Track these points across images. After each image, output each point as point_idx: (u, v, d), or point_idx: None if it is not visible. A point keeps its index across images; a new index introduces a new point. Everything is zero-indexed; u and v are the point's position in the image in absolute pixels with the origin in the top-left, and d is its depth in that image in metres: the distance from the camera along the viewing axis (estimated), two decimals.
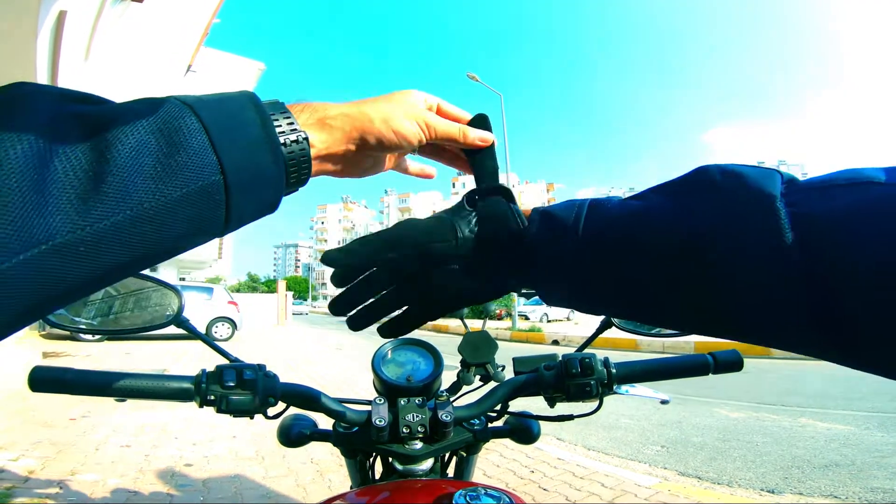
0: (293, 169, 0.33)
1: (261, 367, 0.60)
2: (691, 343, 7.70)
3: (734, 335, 0.31)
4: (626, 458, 3.04)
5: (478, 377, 0.69)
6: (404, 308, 0.44)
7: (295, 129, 0.32)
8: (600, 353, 0.68)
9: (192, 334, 0.71)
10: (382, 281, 0.43)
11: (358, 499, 0.60)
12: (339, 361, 7.96)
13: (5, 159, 0.21)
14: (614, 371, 0.66)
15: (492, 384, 0.69)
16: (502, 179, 0.44)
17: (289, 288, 24.26)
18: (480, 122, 0.45)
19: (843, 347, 0.26)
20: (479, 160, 0.45)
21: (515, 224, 0.38)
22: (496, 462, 2.93)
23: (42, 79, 4.24)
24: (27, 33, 3.61)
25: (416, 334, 0.58)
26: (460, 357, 0.69)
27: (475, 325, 0.76)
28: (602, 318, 0.70)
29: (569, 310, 0.41)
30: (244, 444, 3.21)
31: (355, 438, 0.67)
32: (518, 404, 0.72)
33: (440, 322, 11.42)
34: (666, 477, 2.71)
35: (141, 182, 0.24)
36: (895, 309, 0.23)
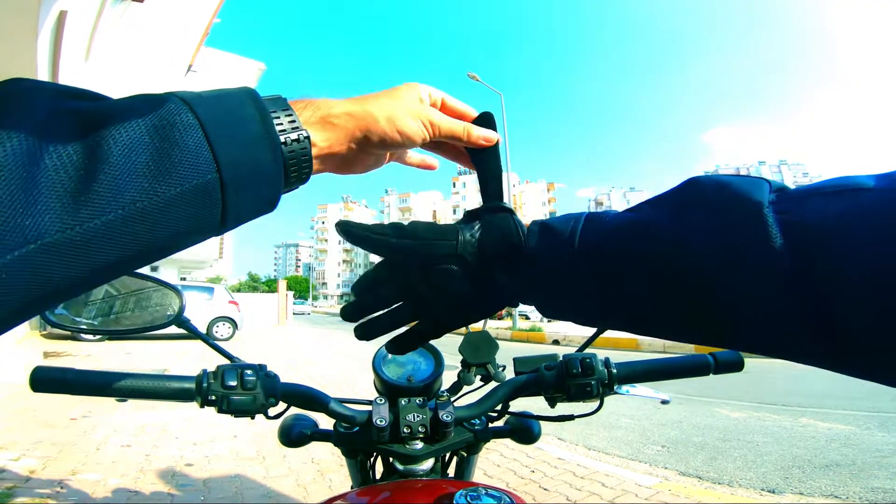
0: (293, 167, 0.32)
1: (262, 368, 0.61)
2: (692, 343, 7.69)
3: (734, 345, 0.31)
4: (627, 458, 3.04)
5: (478, 377, 0.69)
6: (409, 326, 0.45)
7: (296, 127, 0.32)
8: (601, 354, 0.68)
9: (193, 334, 0.71)
10: (392, 295, 0.44)
11: (359, 499, 0.60)
12: (340, 361, 7.96)
13: None
14: (615, 371, 0.66)
15: (492, 384, 0.69)
16: (503, 179, 0.44)
17: (289, 288, 24.29)
18: (485, 120, 0.44)
19: (837, 355, 0.26)
20: (482, 159, 0.44)
21: (517, 236, 0.38)
22: (497, 462, 2.93)
23: (42, 78, 4.24)
24: (28, 33, 3.61)
25: None
26: (461, 357, 0.69)
27: (476, 325, 0.76)
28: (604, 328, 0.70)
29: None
30: (245, 444, 3.21)
31: (356, 438, 0.67)
32: (519, 404, 0.72)
33: None
34: (667, 477, 2.71)
35: (134, 180, 0.24)
36: (887, 316, 0.23)
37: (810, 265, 0.25)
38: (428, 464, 0.68)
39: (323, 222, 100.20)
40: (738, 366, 0.68)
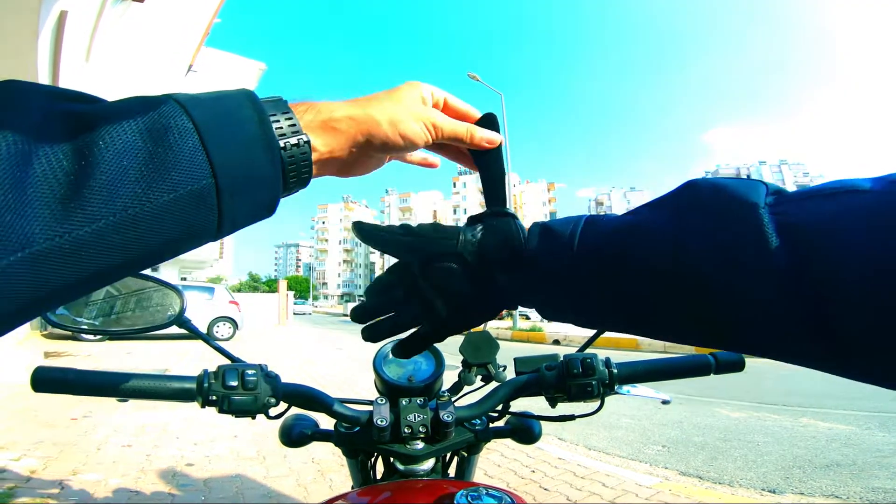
0: (292, 171, 0.31)
1: (262, 368, 0.61)
2: (692, 345, 7.69)
3: (734, 347, 0.31)
4: (628, 458, 3.04)
5: (479, 377, 0.69)
6: (413, 330, 0.45)
7: (296, 131, 0.31)
8: (602, 354, 0.68)
9: (194, 334, 0.71)
10: (400, 298, 0.45)
11: (359, 499, 0.60)
12: (341, 361, 7.96)
13: None
14: (616, 371, 0.66)
15: (493, 384, 0.69)
16: (506, 180, 0.44)
17: (290, 288, 24.29)
18: (488, 121, 0.44)
19: (837, 357, 0.26)
20: (485, 160, 0.44)
21: (517, 238, 0.38)
22: (497, 462, 2.93)
23: (43, 79, 4.24)
24: (28, 34, 3.61)
25: None
26: (462, 357, 0.69)
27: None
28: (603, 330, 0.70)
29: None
30: (245, 444, 3.21)
31: (357, 438, 0.67)
32: (519, 404, 0.72)
33: None
34: (667, 477, 2.71)
35: (126, 186, 0.23)
36: (884, 316, 0.23)
37: (806, 266, 0.25)
38: (429, 464, 0.68)
39: (323, 222, 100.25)
40: (738, 366, 0.68)
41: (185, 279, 21.46)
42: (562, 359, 0.67)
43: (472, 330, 0.71)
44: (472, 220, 0.42)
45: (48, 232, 0.21)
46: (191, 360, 7.26)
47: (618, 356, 0.70)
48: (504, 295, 0.39)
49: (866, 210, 0.24)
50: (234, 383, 0.57)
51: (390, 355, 0.76)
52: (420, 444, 0.64)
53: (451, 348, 0.72)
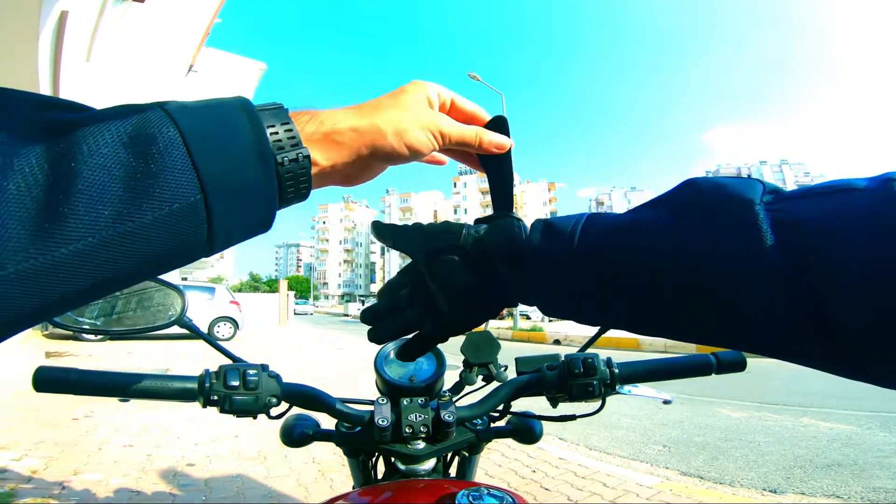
0: (290, 185, 0.30)
1: (264, 368, 0.61)
2: (693, 343, 7.69)
3: (735, 345, 0.31)
4: (628, 458, 3.04)
5: (480, 377, 0.69)
6: (416, 333, 0.46)
7: (296, 144, 0.30)
8: (602, 353, 0.68)
9: (195, 334, 0.71)
10: (407, 299, 0.45)
11: (360, 499, 0.60)
12: (342, 361, 7.96)
13: None
14: (617, 371, 0.66)
15: (494, 384, 0.69)
16: (513, 183, 0.43)
17: (290, 287, 24.30)
18: (498, 125, 0.42)
19: (837, 357, 0.26)
20: (493, 163, 0.43)
21: (519, 234, 0.38)
22: (498, 462, 2.93)
23: (44, 79, 4.25)
24: (29, 34, 3.62)
25: None
26: (463, 357, 0.69)
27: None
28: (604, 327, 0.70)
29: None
30: (246, 444, 3.22)
31: (358, 438, 0.67)
32: (520, 404, 0.72)
33: None
34: (668, 477, 2.71)
35: (106, 205, 0.22)
36: (883, 316, 0.23)
37: (804, 265, 0.25)
38: (430, 464, 0.68)
39: (324, 222, 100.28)
40: (740, 366, 0.68)
41: (185, 279, 21.45)
42: (563, 359, 0.67)
43: (473, 330, 0.71)
44: (479, 222, 0.42)
45: (22, 254, 0.20)
46: (192, 360, 7.27)
47: (619, 356, 0.70)
48: (505, 290, 0.39)
49: (862, 208, 0.24)
50: (236, 383, 0.57)
51: (392, 355, 0.76)
52: (421, 444, 0.64)
53: (452, 348, 0.72)
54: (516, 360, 0.72)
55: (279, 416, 0.65)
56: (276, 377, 0.61)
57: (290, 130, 0.30)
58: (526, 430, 0.76)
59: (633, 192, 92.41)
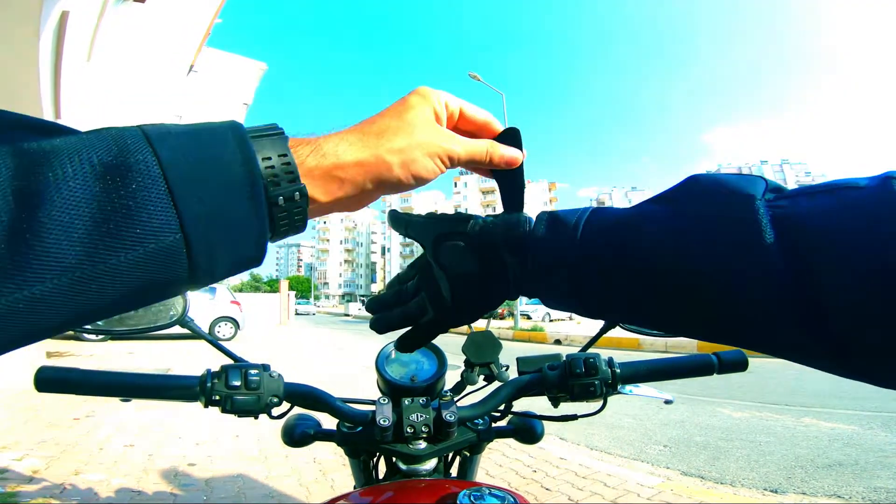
0: (283, 221, 0.28)
1: (265, 367, 0.61)
2: (694, 343, 7.68)
3: (736, 343, 0.31)
4: (629, 458, 3.04)
5: (482, 377, 0.69)
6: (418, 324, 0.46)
7: (293, 180, 0.27)
8: (604, 353, 0.68)
9: (197, 334, 0.71)
10: (411, 291, 0.46)
11: (362, 498, 0.60)
12: (342, 360, 7.96)
13: None
14: (618, 371, 0.66)
15: (495, 384, 0.69)
16: (524, 192, 0.43)
17: (291, 287, 24.31)
18: (510, 137, 0.40)
19: (836, 356, 0.26)
20: (505, 174, 0.42)
21: (524, 225, 0.39)
22: (499, 462, 2.93)
23: (45, 80, 4.25)
24: (29, 34, 3.62)
25: None
26: (464, 357, 0.69)
27: (479, 325, 0.76)
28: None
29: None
30: (247, 444, 3.22)
31: (359, 438, 0.67)
32: (521, 404, 0.71)
33: None
34: (669, 476, 2.70)
35: (74, 246, 0.20)
36: (879, 314, 0.23)
37: (804, 264, 0.25)
38: (431, 464, 0.68)
39: (325, 222, 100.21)
40: (742, 365, 0.68)
41: None
42: (564, 358, 0.67)
43: (474, 329, 0.71)
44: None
45: None
46: (193, 360, 7.27)
47: (620, 356, 0.70)
48: (507, 280, 0.39)
49: (861, 207, 0.24)
50: (237, 383, 0.57)
51: (393, 355, 0.76)
52: (422, 444, 0.64)
53: (453, 348, 0.72)
54: (518, 359, 0.72)
55: (280, 416, 0.65)
56: (278, 377, 0.61)
57: (289, 164, 0.27)
58: (527, 430, 0.76)
59: (633, 192, 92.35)
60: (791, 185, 0.29)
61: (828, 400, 4.41)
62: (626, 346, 8.07)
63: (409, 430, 0.62)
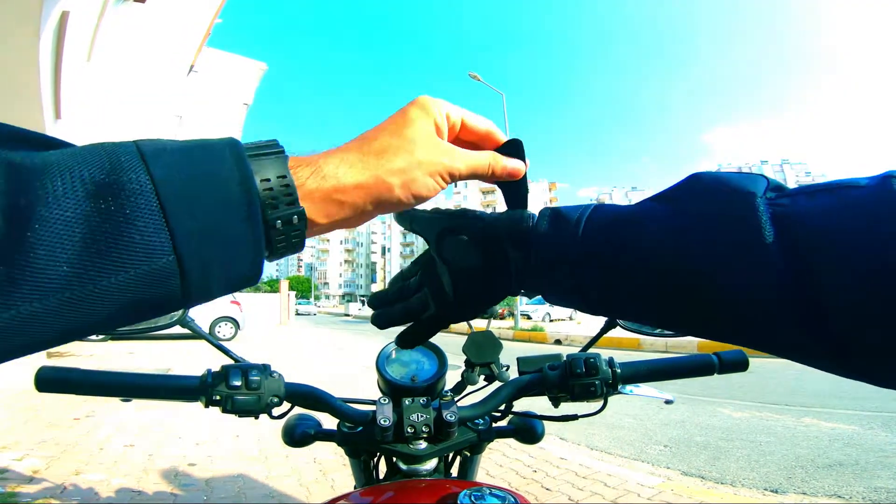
0: (281, 242, 0.28)
1: (266, 367, 0.61)
2: (694, 343, 7.67)
3: (735, 340, 0.31)
4: (630, 458, 3.04)
5: (482, 377, 0.69)
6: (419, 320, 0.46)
7: (292, 202, 0.27)
8: (604, 353, 0.68)
9: (197, 334, 0.71)
10: (413, 287, 0.46)
11: (362, 498, 0.60)
12: (342, 360, 7.96)
13: None
14: (619, 371, 0.66)
15: (496, 384, 0.69)
16: (528, 198, 0.43)
17: (291, 287, 24.32)
18: (512, 148, 0.40)
19: (836, 355, 0.26)
20: (509, 186, 0.42)
21: (527, 220, 0.39)
22: (499, 462, 2.93)
23: (45, 80, 4.25)
24: (30, 34, 3.62)
25: None
26: (465, 357, 0.69)
27: (479, 325, 0.76)
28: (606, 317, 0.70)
29: (571, 309, 0.41)
30: (248, 444, 3.22)
31: (359, 438, 0.67)
32: (522, 404, 0.71)
33: None
34: (669, 476, 2.70)
35: (62, 266, 0.19)
36: (879, 313, 0.23)
37: (803, 264, 0.25)
38: (431, 464, 0.68)
39: None
40: (742, 365, 0.68)
41: None
42: (565, 358, 0.67)
43: (475, 329, 0.71)
44: None
45: None
46: (193, 360, 7.27)
47: (620, 356, 0.70)
48: (509, 275, 0.39)
49: (861, 206, 0.25)
50: (238, 383, 0.57)
51: (393, 355, 0.76)
52: (423, 444, 0.64)
53: (454, 348, 0.72)
54: (518, 359, 0.72)
55: (281, 416, 0.65)
56: (279, 377, 0.61)
57: (287, 186, 0.27)
58: (528, 430, 0.76)
59: (633, 192, 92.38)
60: (791, 185, 0.29)
61: (828, 400, 4.40)
62: (626, 346, 8.06)
63: (409, 430, 0.62)
